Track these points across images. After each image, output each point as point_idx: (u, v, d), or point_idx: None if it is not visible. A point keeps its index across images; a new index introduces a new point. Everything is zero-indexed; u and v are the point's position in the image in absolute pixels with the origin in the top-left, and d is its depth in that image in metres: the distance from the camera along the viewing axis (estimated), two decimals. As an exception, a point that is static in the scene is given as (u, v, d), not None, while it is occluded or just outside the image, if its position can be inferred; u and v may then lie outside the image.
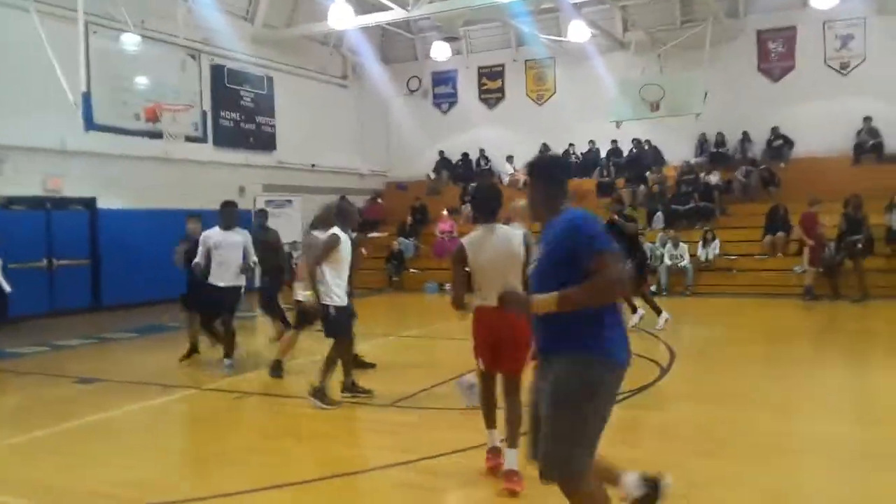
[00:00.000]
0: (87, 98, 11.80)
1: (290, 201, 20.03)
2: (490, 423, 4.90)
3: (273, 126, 19.53)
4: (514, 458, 4.52)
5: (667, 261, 15.56)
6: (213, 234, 8.37)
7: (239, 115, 18.54)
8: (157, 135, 15.34)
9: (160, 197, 15.38)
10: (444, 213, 19.47)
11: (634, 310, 10.60)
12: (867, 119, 17.42)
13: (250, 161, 18.61)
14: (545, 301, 3.11)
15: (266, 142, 19.34)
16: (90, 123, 12.13)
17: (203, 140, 17.30)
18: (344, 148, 21.69)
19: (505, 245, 4.60)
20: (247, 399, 7.34)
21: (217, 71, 17.84)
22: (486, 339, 4.64)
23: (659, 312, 10.49)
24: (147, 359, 9.58)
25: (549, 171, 3.44)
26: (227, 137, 18.10)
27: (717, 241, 15.78)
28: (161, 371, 8.50)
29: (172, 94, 16.02)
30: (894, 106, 17.10)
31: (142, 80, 15.42)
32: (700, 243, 15.83)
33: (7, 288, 9.26)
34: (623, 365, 3.24)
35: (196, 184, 15.82)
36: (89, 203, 14.93)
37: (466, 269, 4.68)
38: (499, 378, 4.81)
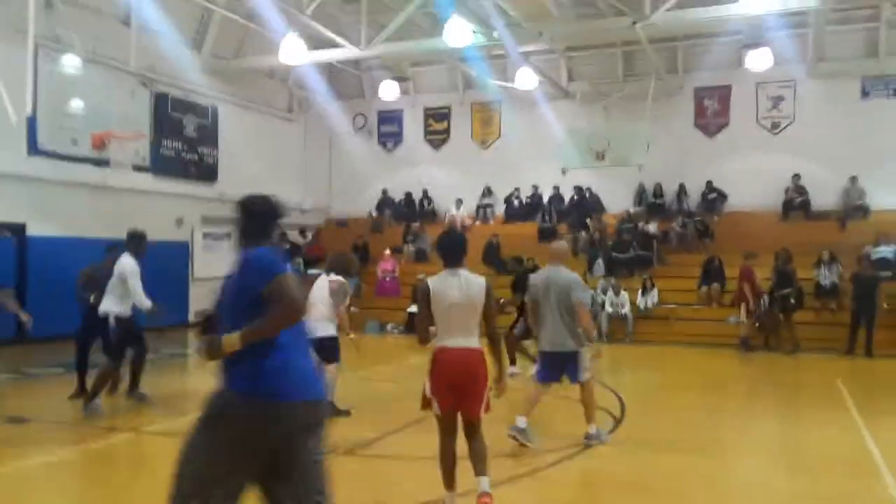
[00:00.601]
0: (32, 121, 11.40)
1: (229, 235, 19.62)
2: (449, 484, 4.70)
3: (215, 157, 19.17)
4: (486, 483, 4.60)
5: (608, 308, 15.80)
6: (134, 264, 8.00)
7: (181, 145, 18.12)
8: (101, 162, 14.87)
9: (95, 226, 14.80)
10: (387, 252, 19.37)
11: (513, 362, 10.21)
12: (795, 176, 18.21)
13: (190, 192, 18.18)
14: (231, 339, 3.06)
15: (208, 173, 18.94)
16: (34, 148, 11.68)
17: (148, 169, 16.87)
18: (286, 182, 21.38)
19: (466, 290, 4.70)
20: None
21: (161, 99, 17.46)
22: (448, 379, 4.61)
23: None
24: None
25: (248, 208, 3.47)
26: (167, 167, 17.64)
27: (655, 290, 16.13)
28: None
29: (119, 122, 15.60)
30: (820, 166, 17.93)
31: (89, 106, 14.96)
32: (639, 291, 16.17)
33: None
34: (266, 400, 3.02)
35: (134, 214, 15.16)
36: (17, 229, 14.27)
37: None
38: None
